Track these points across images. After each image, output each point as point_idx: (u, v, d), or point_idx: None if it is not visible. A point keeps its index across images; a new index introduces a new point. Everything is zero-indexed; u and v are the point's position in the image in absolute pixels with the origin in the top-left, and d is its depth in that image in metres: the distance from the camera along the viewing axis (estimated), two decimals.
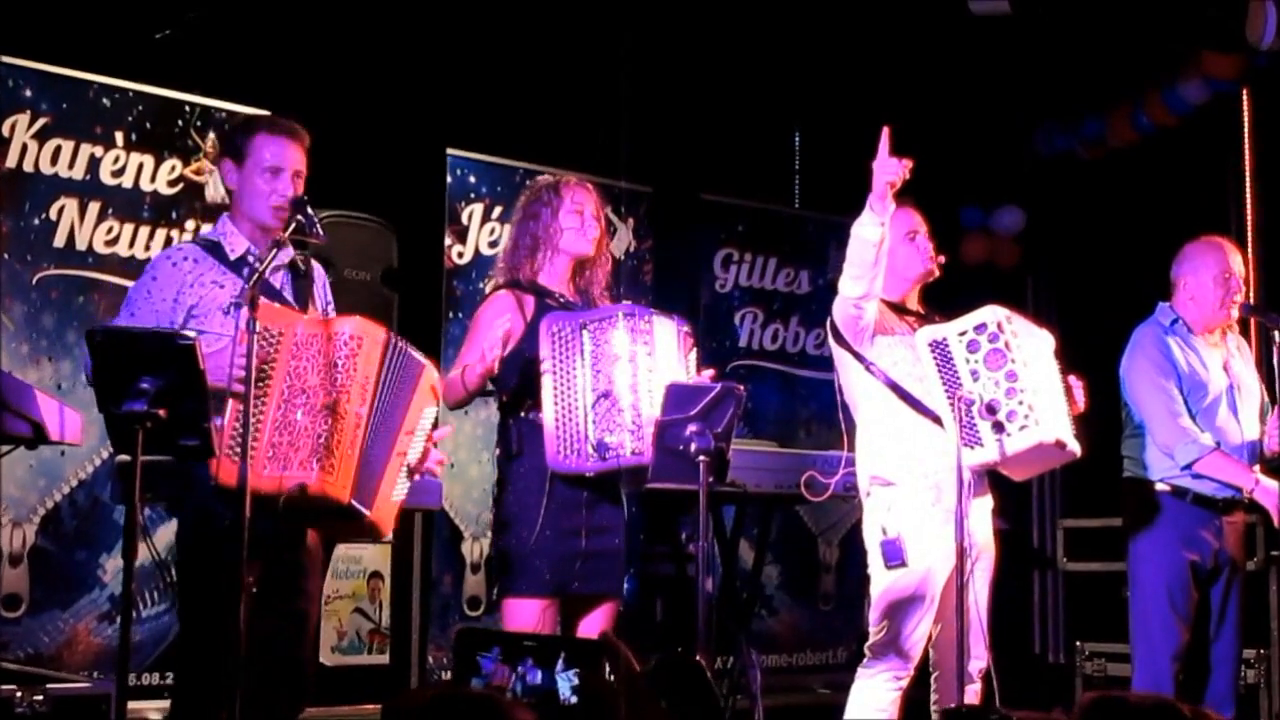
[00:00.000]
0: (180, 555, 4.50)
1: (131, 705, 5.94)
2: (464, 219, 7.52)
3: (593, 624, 5.04)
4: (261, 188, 4.51)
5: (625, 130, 8.27)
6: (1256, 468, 5.78)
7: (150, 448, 3.80)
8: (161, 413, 3.73)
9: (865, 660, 5.24)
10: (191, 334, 3.87)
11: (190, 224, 6.67)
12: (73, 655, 6.30)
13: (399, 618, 7.20)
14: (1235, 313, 5.90)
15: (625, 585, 7.60)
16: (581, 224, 5.12)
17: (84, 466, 6.37)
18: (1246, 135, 8.55)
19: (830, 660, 8.34)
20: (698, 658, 2.05)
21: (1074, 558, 7.57)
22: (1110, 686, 6.72)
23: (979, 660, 5.17)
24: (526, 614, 4.91)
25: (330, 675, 6.93)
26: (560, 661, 1.92)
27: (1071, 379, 5.31)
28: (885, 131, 4.93)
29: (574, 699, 1.91)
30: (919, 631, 5.14)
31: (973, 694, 5.17)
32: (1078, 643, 7.30)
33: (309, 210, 4.35)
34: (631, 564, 7.74)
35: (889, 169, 4.94)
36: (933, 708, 5.34)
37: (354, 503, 4.26)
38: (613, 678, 1.91)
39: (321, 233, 4.38)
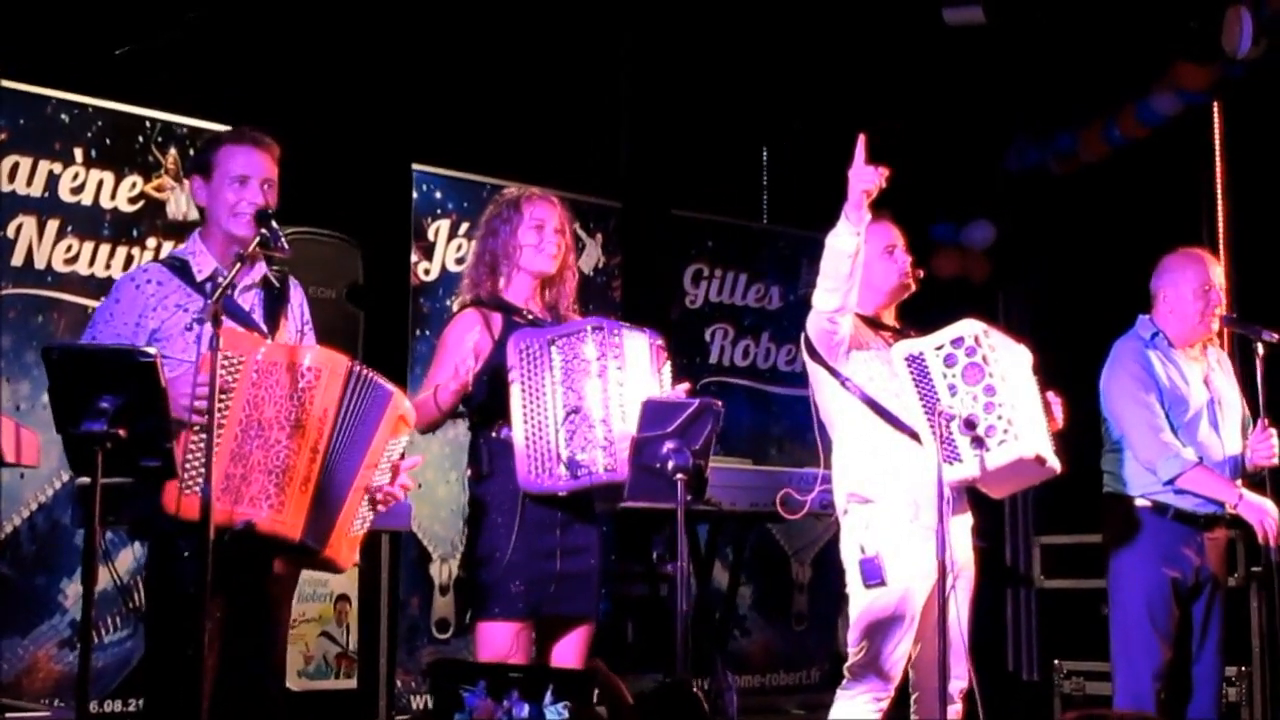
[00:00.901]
0: (147, 583, 4.40)
1: None
2: (430, 235, 7.43)
3: (568, 646, 4.93)
4: (230, 198, 4.39)
5: (594, 145, 8.20)
6: (1239, 482, 5.72)
7: (110, 469, 3.67)
8: (121, 432, 3.61)
9: (844, 681, 5.14)
10: (152, 350, 3.76)
11: (151, 242, 6.56)
12: (33, 683, 6.15)
13: (366, 641, 7.08)
14: (1215, 325, 5.84)
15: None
16: (540, 240, 4.99)
17: (44, 489, 6.24)
18: (1218, 147, 8.52)
19: (804, 680, 8.24)
20: (695, 689, 1.96)
21: (1051, 575, 7.49)
22: (1090, 705, 6.64)
23: (960, 680, 5.08)
24: (500, 637, 4.79)
25: (297, 700, 6.81)
26: (549, 694, 1.82)
27: (1050, 395, 5.23)
28: (861, 139, 4.84)
29: None
30: (899, 651, 5.05)
31: (954, 714, 5.08)
32: (1056, 661, 7.22)
33: (274, 224, 4.24)
34: (603, 584, 7.64)
35: (865, 177, 4.85)
36: None
37: (306, 541, 4.14)
38: (603, 709, 1.81)
39: (287, 247, 4.28)
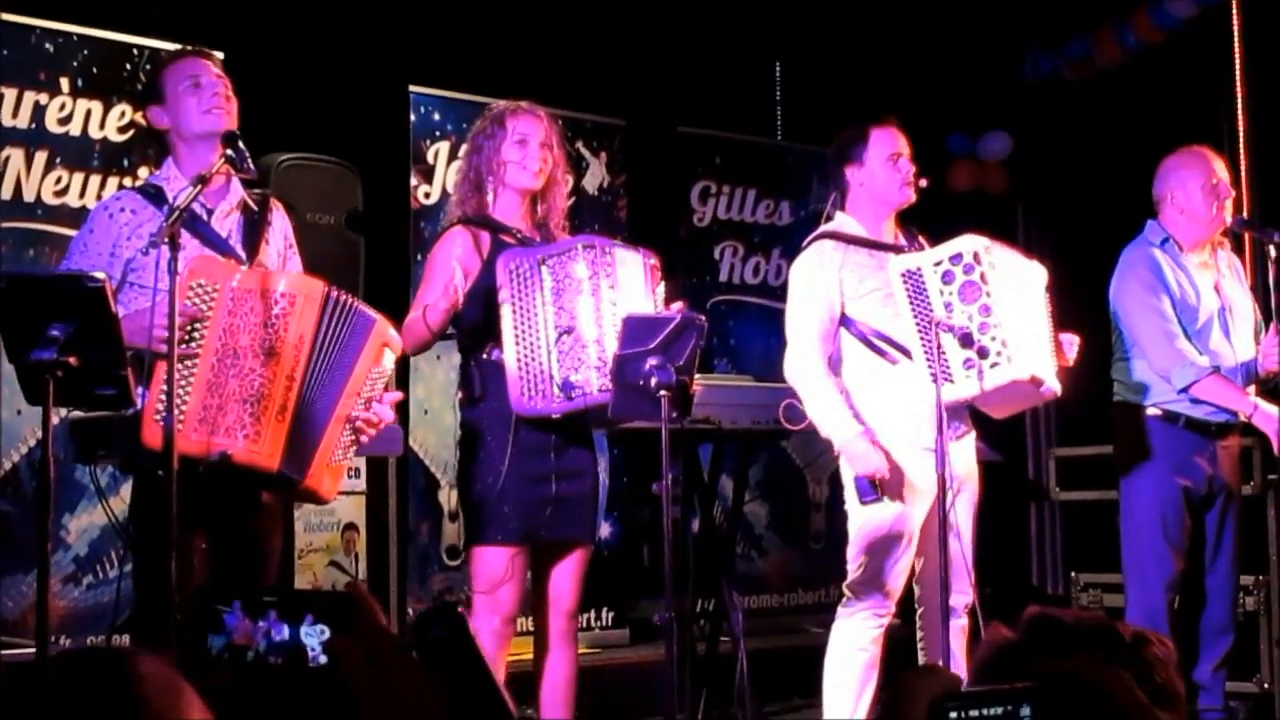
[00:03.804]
0: (130, 517, 4.35)
1: None
2: (429, 158, 7.31)
3: (564, 571, 4.87)
4: (189, 102, 4.36)
5: (597, 62, 8.06)
6: (1252, 390, 5.60)
7: (65, 398, 3.60)
8: (72, 360, 3.53)
9: (845, 599, 5.08)
10: (100, 275, 3.68)
11: (144, 171, 6.42)
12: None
13: (376, 570, 7.01)
14: (1228, 219, 5.70)
15: (609, 529, 7.49)
16: (524, 155, 4.86)
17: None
18: (1237, 47, 8.30)
19: (823, 599, 8.14)
20: (459, 609, 1.90)
21: (1066, 487, 7.38)
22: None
23: (964, 595, 5.00)
24: (494, 562, 4.74)
25: None
26: (308, 617, 1.76)
27: (1065, 336, 5.11)
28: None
29: (325, 658, 1.74)
30: (899, 568, 4.98)
31: (958, 630, 5.01)
32: (1073, 574, 7.13)
33: (240, 145, 4.15)
34: (615, 508, 7.58)
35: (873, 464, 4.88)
36: (919, 645, 5.18)
37: (285, 471, 4.08)
38: (358, 634, 1.74)
39: (253, 168, 4.19)
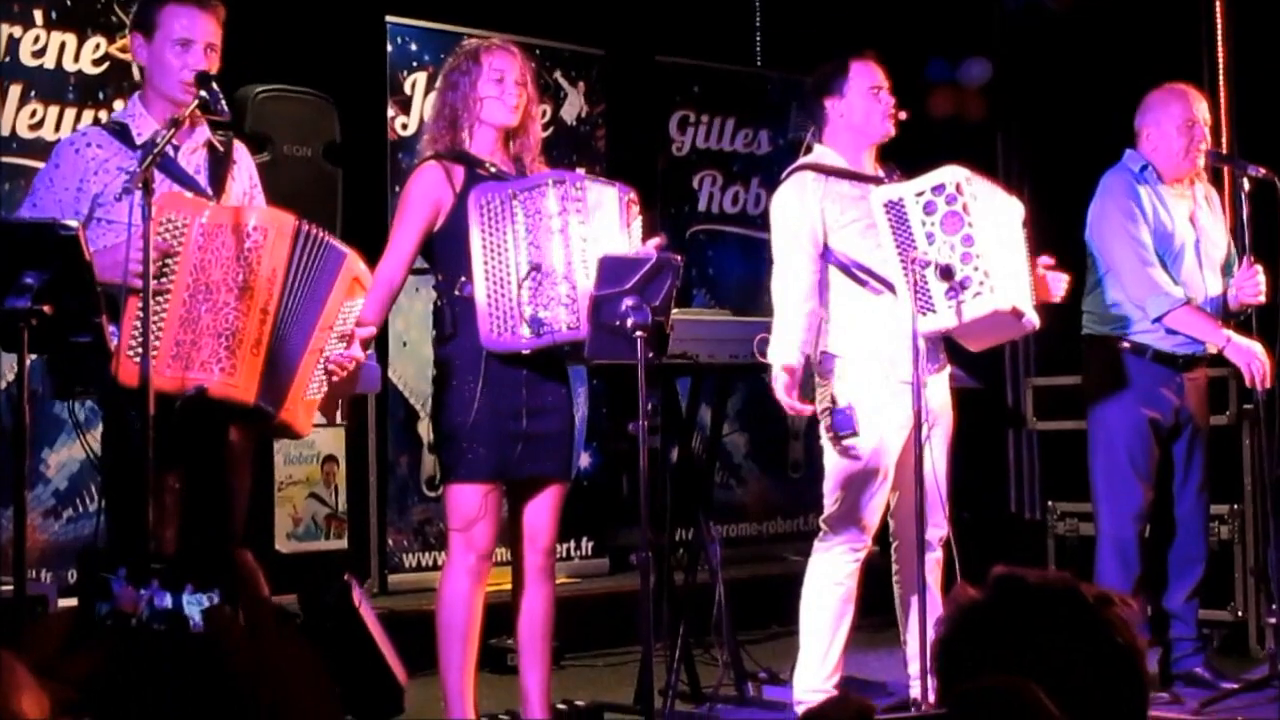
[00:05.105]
0: (103, 454, 4.37)
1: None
2: (407, 89, 7.29)
3: (538, 507, 4.87)
4: (172, 62, 4.30)
5: None
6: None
7: (40, 346, 3.61)
8: (46, 309, 3.54)
9: (821, 533, 5.12)
10: (74, 224, 3.69)
11: (119, 105, 6.40)
12: None
13: (355, 501, 7.05)
14: (1201, 162, 5.71)
15: (589, 460, 7.52)
16: (500, 92, 4.83)
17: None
18: None
19: (801, 527, 8.20)
20: (346, 577, 1.91)
21: (1043, 417, 7.41)
22: (1081, 547, 6.61)
23: (938, 529, 5.04)
24: (468, 499, 4.75)
25: (287, 562, 6.79)
26: (189, 585, 1.78)
27: (1054, 274, 5.13)
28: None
29: (205, 626, 1.77)
30: (875, 502, 5.03)
31: (933, 563, 5.06)
32: (1050, 503, 7.18)
33: (214, 87, 4.14)
34: (595, 439, 7.61)
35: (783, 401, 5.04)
36: (894, 578, 5.23)
37: (261, 404, 4.11)
38: (241, 603, 1.76)
39: (227, 109, 4.19)
